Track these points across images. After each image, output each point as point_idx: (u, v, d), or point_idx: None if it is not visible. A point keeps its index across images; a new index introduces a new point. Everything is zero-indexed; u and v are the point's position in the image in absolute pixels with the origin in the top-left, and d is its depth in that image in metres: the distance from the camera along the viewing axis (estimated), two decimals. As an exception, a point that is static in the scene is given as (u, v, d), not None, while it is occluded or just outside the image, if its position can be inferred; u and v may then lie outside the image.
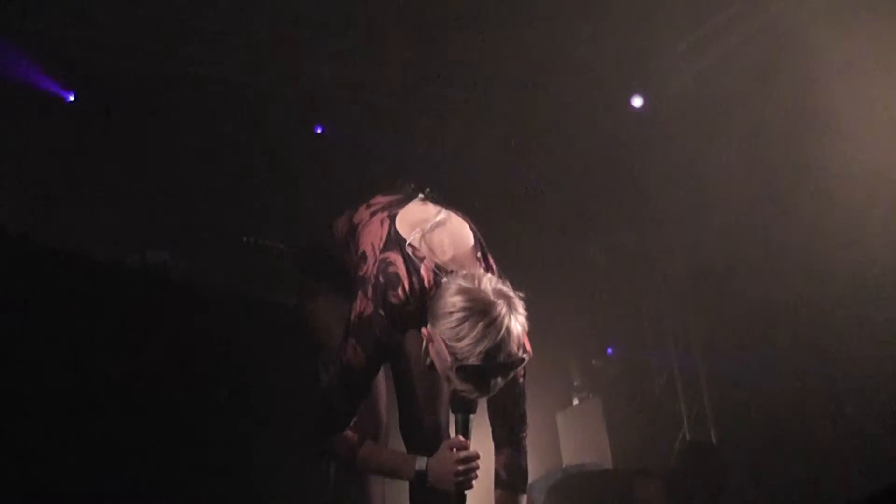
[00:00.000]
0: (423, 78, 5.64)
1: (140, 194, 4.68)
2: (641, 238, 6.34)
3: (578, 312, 6.17)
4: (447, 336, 2.31)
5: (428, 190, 2.77)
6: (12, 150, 4.52)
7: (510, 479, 2.73)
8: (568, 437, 6.15)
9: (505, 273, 2.69)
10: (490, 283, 2.35)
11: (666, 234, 6.18)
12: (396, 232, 2.57)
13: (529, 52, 5.45)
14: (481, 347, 2.26)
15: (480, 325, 2.26)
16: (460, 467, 2.51)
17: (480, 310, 2.28)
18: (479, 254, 2.62)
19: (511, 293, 2.37)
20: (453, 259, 2.55)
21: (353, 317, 2.52)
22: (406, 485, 2.84)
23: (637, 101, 5.99)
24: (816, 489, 4.61)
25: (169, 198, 4.75)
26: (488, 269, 2.60)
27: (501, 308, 2.29)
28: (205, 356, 3.57)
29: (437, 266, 2.51)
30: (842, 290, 4.75)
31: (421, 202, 2.72)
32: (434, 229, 2.58)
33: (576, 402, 6.35)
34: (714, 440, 5.81)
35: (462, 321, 2.28)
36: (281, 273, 3.55)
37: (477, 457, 2.55)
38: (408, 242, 2.52)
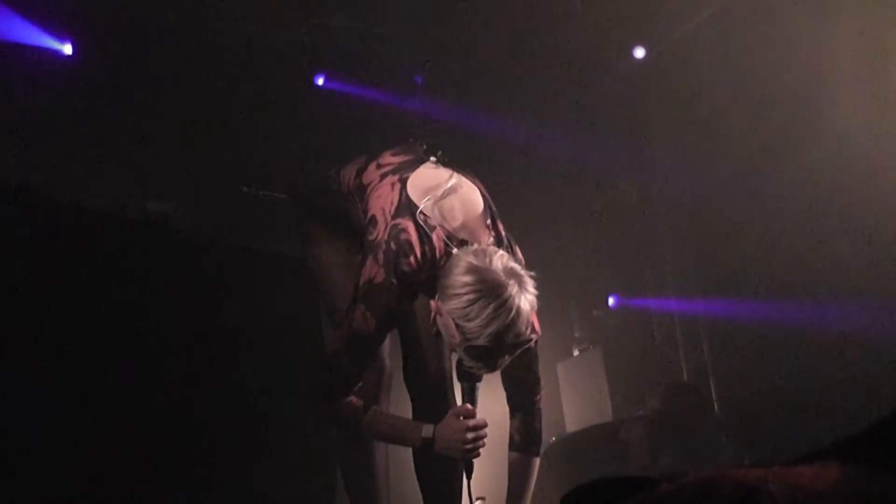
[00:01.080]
0: (422, 27, 5.61)
1: (141, 145, 4.67)
2: (642, 187, 6.33)
3: (580, 262, 6.19)
4: (456, 315, 2.32)
5: (440, 153, 2.76)
6: (12, 102, 4.49)
7: (524, 442, 2.77)
8: (568, 387, 6.20)
9: (502, 220, 2.71)
10: (501, 260, 2.34)
11: (667, 183, 6.17)
12: (408, 197, 2.55)
13: (531, 2, 5.41)
14: (490, 329, 2.28)
15: (490, 307, 2.26)
16: (469, 435, 2.52)
17: (491, 292, 2.28)
18: (488, 220, 2.62)
19: (521, 272, 2.36)
20: (463, 226, 2.55)
21: (361, 282, 2.50)
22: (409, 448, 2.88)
23: (639, 53, 5.96)
24: (816, 435, 4.65)
25: (170, 148, 4.73)
26: (497, 236, 2.62)
27: (512, 289, 2.28)
28: (206, 307, 3.59)
29: (449, 235, 2.51)
30: (846, 235, 4.75)
31: (432, 165, 2.71)
32: (446, 196, 2.57)
33: (576, 352, 6.39)
34: (713, 389, 5.86)
35: (472, 303, 2.28)
36: (282, 223, 3.56)
37: (485, 425, 2.57)
38: (420, 210, 2.51)
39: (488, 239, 2.58)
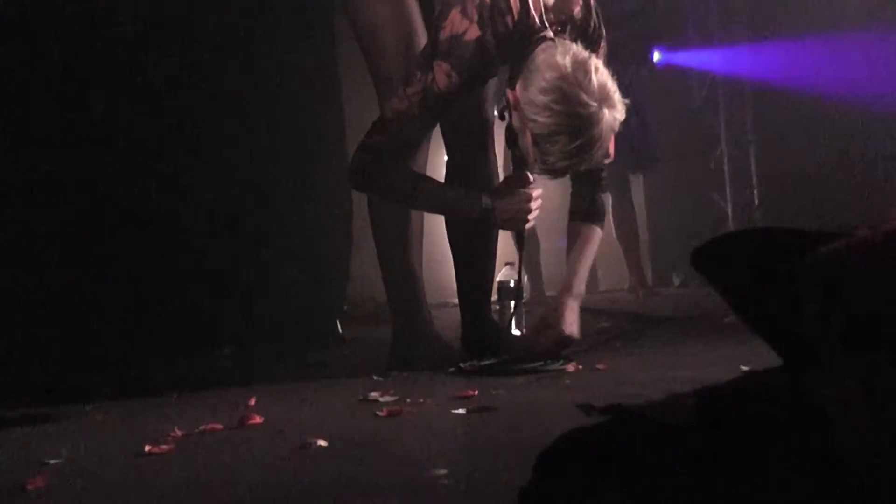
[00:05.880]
0: None
1: None
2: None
3: (622, 18, 5.86)
4: (538, 132, 2.11)
5: None
6: None
7: (588, 211, 2.61)
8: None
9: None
10: (596, 79, 2.08)
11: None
12: None
13: None
14: (571, 161, 2.12)
15: (578, 142, 2.07)
16: (532, 205, 2.37)
17: (579, 127, 2.07)
18: None
19: (614, 94, 2.10)
20: (556, 4, 2.31)
21: (443, 36, 2.26)
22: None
23: None
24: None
25: None
26: (587, 5, 2.37)
27: (601, 124, 2.06)
28: (223, 50, 3.35)
29: (545, 7, 2.27)
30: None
31: None
32: None
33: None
34: (752, 156, 5.67)
35: (558, 133, 2.08)
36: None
37: (541, 194, 2.40)
38: None
39: (577, 10, 2.34)
